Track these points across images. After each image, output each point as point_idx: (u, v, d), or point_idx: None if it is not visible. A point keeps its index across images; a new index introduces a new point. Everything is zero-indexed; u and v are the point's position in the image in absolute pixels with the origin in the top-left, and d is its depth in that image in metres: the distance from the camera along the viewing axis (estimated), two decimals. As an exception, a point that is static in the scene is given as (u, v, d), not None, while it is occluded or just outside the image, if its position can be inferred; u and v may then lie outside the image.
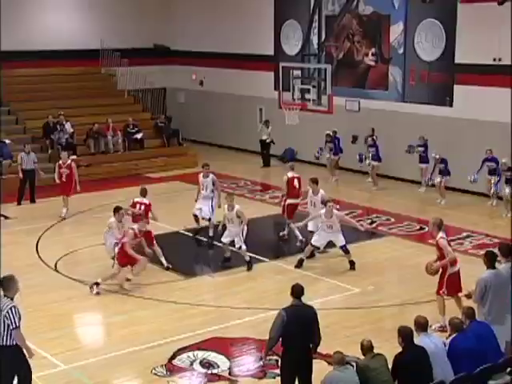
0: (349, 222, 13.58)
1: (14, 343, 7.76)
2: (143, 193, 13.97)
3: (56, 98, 23.18)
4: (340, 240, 13.00)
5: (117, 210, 12.70)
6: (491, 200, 17.37)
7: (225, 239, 13.27)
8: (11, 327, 7.69)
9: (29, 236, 15.16)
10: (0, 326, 7.68)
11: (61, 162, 16.90)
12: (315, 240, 13.03)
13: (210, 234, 14.77)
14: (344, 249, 13.08)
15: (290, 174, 14.64)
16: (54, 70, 24.26)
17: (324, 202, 13.23)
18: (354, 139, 20.40)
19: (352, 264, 13.06)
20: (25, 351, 7.92)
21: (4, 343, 7.73)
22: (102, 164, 21.62)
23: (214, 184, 14.92)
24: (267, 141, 22.66)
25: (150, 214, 13.64)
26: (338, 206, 14.62)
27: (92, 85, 24.71)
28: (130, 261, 12.07)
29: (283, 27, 23.25)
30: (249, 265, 13.12)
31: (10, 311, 7.69)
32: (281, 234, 14.98)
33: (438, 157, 17.66)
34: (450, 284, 10.23)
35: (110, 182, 20.13)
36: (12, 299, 7.81)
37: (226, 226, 13.24)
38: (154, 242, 13.17)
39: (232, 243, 13.18)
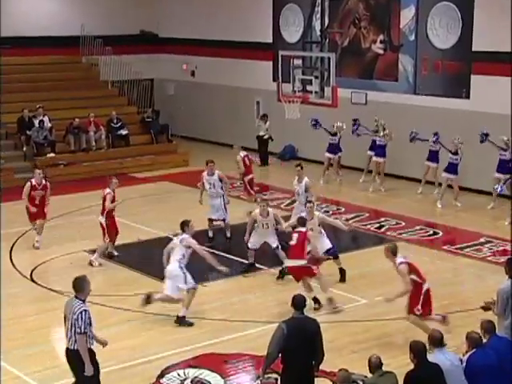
0: (333, 223, 13.35)
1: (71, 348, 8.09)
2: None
3: (32, 90, 23.17)
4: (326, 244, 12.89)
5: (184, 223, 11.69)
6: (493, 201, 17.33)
7: (253, 246, 13.35)
8: (78, 331, 7.97)
9: (1, 242, 15.09)
10: (70, 328, 8.02)
11: (34, 182, 14.99)
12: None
13: (228, 235, 15.23)
14: (331, 253, 12.92)
15: (242, 154, 16.85)
16: (30, 59, 24.25)
17: (307, 190, 14.21)
18: (356, 126, 20.09)
19: (342, 273, 13.00)
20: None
21: (74, 347, 8.04)
22: (83, 163, 21.58)
23: (221, 181, 15.18)
24: (265, 137, 22.68)
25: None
26: (317, 207, 14.45)
27: (72, 75, 24.70)
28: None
29: (283, 12, 23.25)
30: (281, 272, 12.99)
31: (80, 315, 7.98)
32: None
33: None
34: (424, 303, 10.22)
35: (91, 183, 20.05)
36: (84, 301, 8.12)
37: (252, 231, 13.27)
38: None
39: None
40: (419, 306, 10.22)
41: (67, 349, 8.21)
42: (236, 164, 16.84)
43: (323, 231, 12.88)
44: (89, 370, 8.10)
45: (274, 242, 13.36)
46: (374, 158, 19.46)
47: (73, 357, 8.16)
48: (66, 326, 8.14)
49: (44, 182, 15.23)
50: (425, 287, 10.30)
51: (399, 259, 10.30)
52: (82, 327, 7.99)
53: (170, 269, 11.36)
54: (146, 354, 10.24)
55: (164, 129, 24.05)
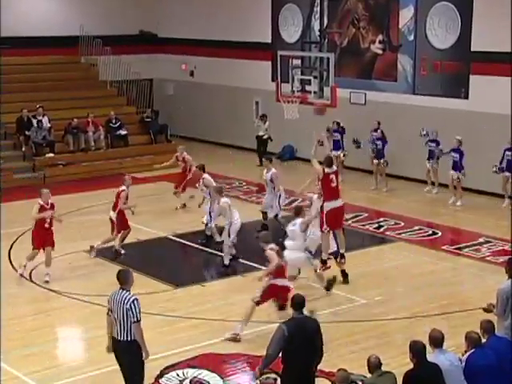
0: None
1: (133, 338, 8.15)
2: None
3: (31, 90, 23.14)
4: None
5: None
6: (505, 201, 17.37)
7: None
8: (133, 320, 8.07)
9: (1, 242, 15.07)
10: (123, 319, 8.09)
11: (41, 202, 13.35)
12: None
13: (217, 239, 14.79)
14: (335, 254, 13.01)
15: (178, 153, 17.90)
16: (29, 59, 24.22)
17: (272, 181, 15.34)
18: (357, 143, 19.96)
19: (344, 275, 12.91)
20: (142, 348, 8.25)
21: (129, 338, 8.12)
22: (82, 163, 21.57)
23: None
24: (264, 137, 22.67)
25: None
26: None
27: (71, 75, 24.68)
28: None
29: (281, 12, 23.25)
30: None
31: (132, 304, 8.08)
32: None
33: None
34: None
35: (90, 183, 20.08)
36: (129, 292, 8.20)
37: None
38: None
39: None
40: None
41: (118, 341, 8.19)
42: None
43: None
44: (146, 355, 8.30)
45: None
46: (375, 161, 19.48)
47: (125, 348, 8.20)
48: (114, 318, 8.16)
49: (50, 201, 13.48)
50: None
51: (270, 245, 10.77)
52: (138, 315, 8.09)
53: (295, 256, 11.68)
54: (145, 354, 10.22)
55: (163, 129, 24.04)
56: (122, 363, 8.39)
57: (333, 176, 12.45)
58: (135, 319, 8.09)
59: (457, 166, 17.73)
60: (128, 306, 8.06)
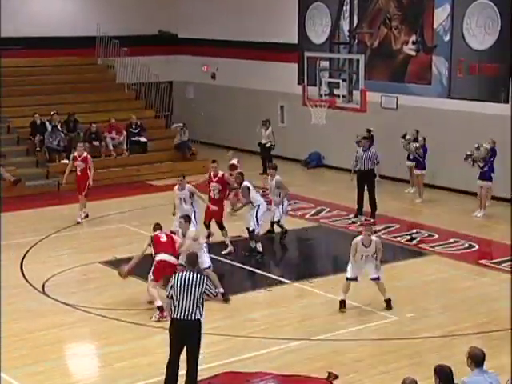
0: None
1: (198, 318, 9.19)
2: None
3: (45, 93, 23.36)
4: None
5: None
6: None
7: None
8: (213, 295, 9.55)
9: (12, 252, 15.20)
10: (192, 298, 9.10)
11: (76, 154, 17.43)
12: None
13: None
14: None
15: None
16: (43, 61, 24.47)
17: (279, 187, 15.75)
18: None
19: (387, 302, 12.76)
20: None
21: (195, 318, 9.14)
22: (98, 169, 21.63)
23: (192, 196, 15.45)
24: (267, 145, 22.53)
25: None
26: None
27: (86, 78, 24.87)
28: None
29: (309, 11, 23.29)
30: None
31: (207, 282, 9.29)
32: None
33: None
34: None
35: (106, 191, 20.19)
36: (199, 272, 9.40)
37: None
38: None
39: None
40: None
41: (188, 321, 9.08)
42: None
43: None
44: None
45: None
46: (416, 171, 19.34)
47: (194, 327, 9.16)
48: (185, 298, 9.05)
49: (85, 154, 17.43)
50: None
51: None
52: (214, 289, 9.52)
53: None
54: (162, 372, 10.24)
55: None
56: (191, 344, 9.21)
57: None
58: (215, 293, 9.71)
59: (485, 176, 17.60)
60: (204, 285, 9.17)
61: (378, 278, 12.28)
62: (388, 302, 12.33)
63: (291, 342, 10.98)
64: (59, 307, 12.60)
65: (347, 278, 12.22)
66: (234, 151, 16.73)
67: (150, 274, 12.12)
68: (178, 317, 9.13)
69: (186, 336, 9.20)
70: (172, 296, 9.16)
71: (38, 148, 21.34)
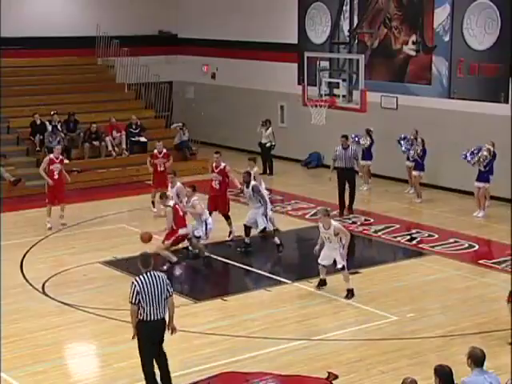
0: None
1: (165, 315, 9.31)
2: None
3: (45, 93, 23.37)
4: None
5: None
6: None
7: (322, 261, 13.03)
8: (169, 295, 9.29)
9: (12, 252, 15.23)
10: (161, 297, 9.19)
11: (53, 156, 17.03)
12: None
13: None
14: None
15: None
16: (43, 61, 24.48)
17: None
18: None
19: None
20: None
21: (163, 316, 9.26)
22: (98, 169, 21.69)
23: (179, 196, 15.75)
24: (267, 145, 22.56)
25: None
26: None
27: (86, 78, 24.89)
28: None
29: (309, 11, 23.29)
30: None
31: (167, 280, 9.29)
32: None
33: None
34: None
35: (106, 191, 20.21)
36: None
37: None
38: None
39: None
40: None
41: (159, 321, 9.23)
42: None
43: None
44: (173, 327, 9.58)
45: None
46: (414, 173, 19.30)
47: (164, 325, 9.36)
48: (153, 299, 9.12)
49: (61, 157, 17.23)
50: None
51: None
52: (171, 289, 9.38)
53: None
54: (162, 372, 10.26)
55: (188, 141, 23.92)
56: (160, 341, 9.41)
57: None
58: (170, 293, 9.32)
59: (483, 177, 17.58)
60: (168, 282, 9.27)
61: (343, 268, 12.66)
62: (349, 291, 12.72)
63: (291, 342, 10.99)
64: (59, 307, 12.61)
65: (318, 263, 12.96)
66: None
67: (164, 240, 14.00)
68: (150, 319, 9.20)
69: (158, 336, 9.37)
70: (139, 301, 9.13)
71: (37, 148, 21.37)
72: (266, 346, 11.00)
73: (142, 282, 9.17)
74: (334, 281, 13.17)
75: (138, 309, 9.17)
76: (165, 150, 18.59)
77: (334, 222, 12.88)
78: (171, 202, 14.60)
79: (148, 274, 9.22)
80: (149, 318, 9.19)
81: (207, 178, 17.42)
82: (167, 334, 9.47)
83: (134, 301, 9.17)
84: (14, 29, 23.53)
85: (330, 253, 12.75)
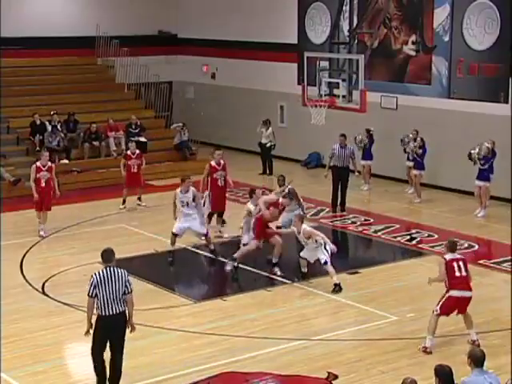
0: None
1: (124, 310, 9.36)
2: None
3: (45, 93, 23.36)
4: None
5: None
6: None
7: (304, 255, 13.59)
8: (128, 291, 9.31)
9: (12, 252, 15.22)
10: (118, 292, 9.26)
11: (39, 164, 16.27)
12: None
13: (212, 247, 15.04)
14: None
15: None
16: (43, 61, 24.47)
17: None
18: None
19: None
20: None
21: (121, 310, 9.32)
22: (97, 169, 21.67)
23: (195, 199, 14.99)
24: (267, 145, 22.54)
25: None
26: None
27: (86, 78, 24.88)
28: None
29: (308, 11, 23.30)
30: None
31: (128, 277, 9.36)
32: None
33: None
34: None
35: (105, 191, 20.20)
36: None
37: None
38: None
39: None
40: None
41: (115, 315, 9.27)
42: None
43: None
44: (132, 325, 9.58)
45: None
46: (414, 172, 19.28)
47: (121, 320, 9.38)
48: (110, 294, 9.21)
49: (49, 164, 16.38)
50: None
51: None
52: (131, 286, 9.38)
53: None
54: (163, 372, 10.26)
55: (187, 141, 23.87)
56: (118, 336, 9.41)
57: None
58: (129, 290, 9.34)
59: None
60: (127, 279, 9.34)
61: (325, 263, 13.04)
62: (336, 285, 12.99)
63: (291, 342, 10.98)
64: (59, 307, 12.60)
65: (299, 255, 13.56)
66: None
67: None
68: (105, 313, 9.30)
69: (112, 331, 9.40)
70: (96, 294, 9.26)
71: (37, 148, 21.34)
72: (265, 346, 11.00)
73: (100, 276, 9.30)
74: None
75: (98, 301, 9.29)
76: (137, 151, 18.55)
77: (304, 226, 13.36)
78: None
79: (108, 268, 9.35)
80: (104, 313, 9.29)
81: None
82: (167, 335, 9.46)
83: (91, 294, 9.30)
84: (14, 29, 23.54)
85: (311, 253, 13.35)
